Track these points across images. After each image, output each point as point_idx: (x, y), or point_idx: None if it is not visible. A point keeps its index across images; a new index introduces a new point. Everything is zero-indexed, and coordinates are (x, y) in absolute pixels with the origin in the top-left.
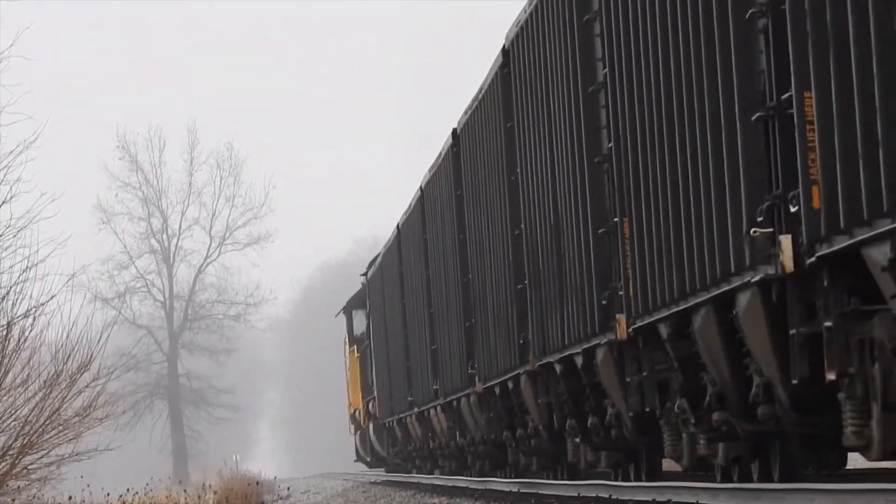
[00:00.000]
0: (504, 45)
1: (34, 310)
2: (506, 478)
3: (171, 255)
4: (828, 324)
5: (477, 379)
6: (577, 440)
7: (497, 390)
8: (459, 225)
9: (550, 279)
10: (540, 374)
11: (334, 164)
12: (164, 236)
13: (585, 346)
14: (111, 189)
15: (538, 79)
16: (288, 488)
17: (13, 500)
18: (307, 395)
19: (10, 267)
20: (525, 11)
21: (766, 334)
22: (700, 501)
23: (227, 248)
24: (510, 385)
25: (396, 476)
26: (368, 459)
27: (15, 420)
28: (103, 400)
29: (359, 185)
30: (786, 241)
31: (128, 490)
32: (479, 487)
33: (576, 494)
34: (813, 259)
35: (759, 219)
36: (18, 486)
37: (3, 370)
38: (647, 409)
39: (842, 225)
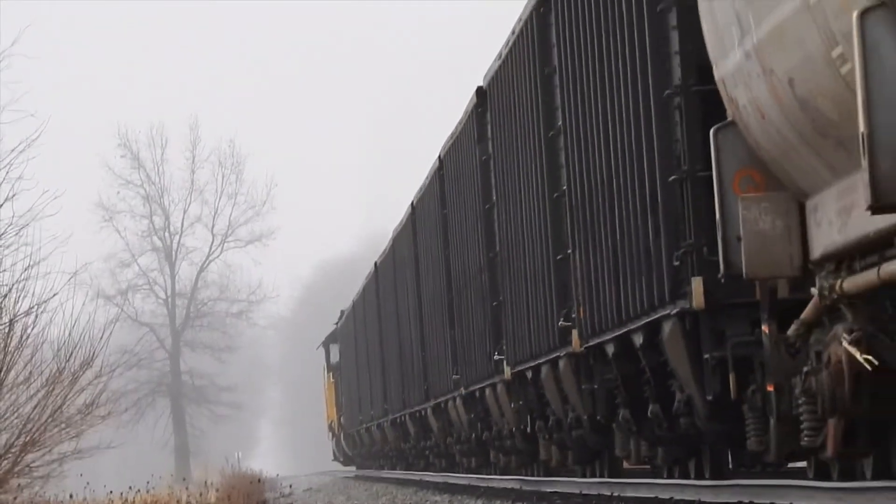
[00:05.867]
0: (481, 86)
1: (36, 307)
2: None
3: (174, 252)
4: (732, 350)
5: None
6: (547, 439)
7: (477, 394)
8: (444, 242)
9: (521, 298)
10: (513, 382)
11: (336, 162)
12: (167, 234)
13: (550, 357)
14: (113, 187)
15: (510, 119)
16: (290, 486)
17: (15, 498)
18: (308, 393)
19: (13, 264)
20: (499, 57)
21: (685, 357)
22: (703, 499)
23: (229, 245)
24: (487, 391)
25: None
26: (342, 459)
27: (17, 417)
28: (105, 397)
29: (360, 184)
30: (696, 282)
31: (130, 488)
32: (482, 485)
33: (577, 492)
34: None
35: (676, 263)
36: (20, 484)
37: (5, 368)
38: (598, 418)
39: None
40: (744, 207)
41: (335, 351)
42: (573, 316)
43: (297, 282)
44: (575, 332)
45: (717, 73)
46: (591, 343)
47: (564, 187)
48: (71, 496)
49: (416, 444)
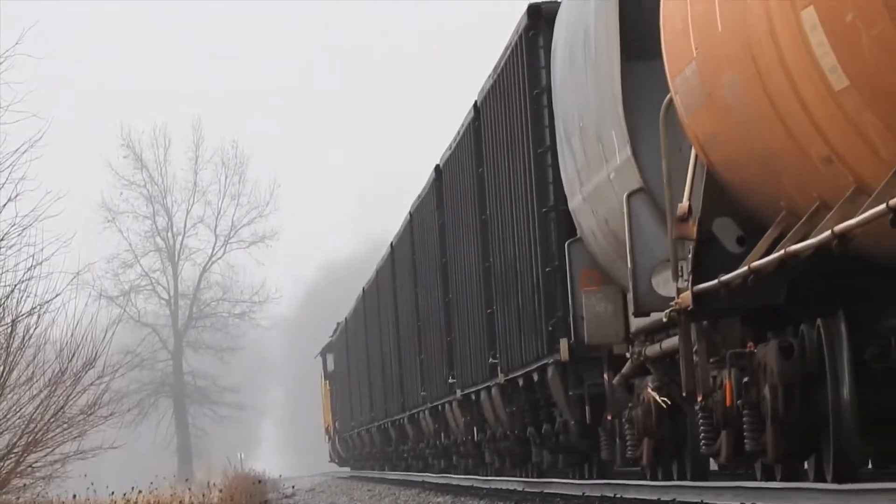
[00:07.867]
0: (438, 165)
1: (39, 308)
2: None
3: (176, 253)
4: (588, 390)
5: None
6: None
7: (439, 408)
8: (414, 281)
9: (466, 338)
10: (463, 401)
11: (339, 163)
12: (169, 235)
13: (486, 384)
14: (116, 187)
15: (457, 198)
16: (293, 486)
17: (18, 498)
18: (311, 394)
19: (16, 265)
20: (450, 147)
21: (561, 392)
22: (705, 501)
23: (232, 246)
24: (446, 406)
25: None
26: (337, 460)
27: (20, 418)
28: (108, 398)
29: (363, 183)
30: (563, 342)
31: (132, 488)
32: (484, 486)
33: (580, 493)
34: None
35: (550, 328)
36: (23, 485)
37: (7, 368)
38: (516, 432)
39: None
40: (585, 296)
41: (331, 359)
42: (497, 359)
43: (300, 283)
44: (499, 367)
45: (570, 205)
46: (509, 377)
47: (490, 261)
48: (74, 496)
49: (396, 448)
